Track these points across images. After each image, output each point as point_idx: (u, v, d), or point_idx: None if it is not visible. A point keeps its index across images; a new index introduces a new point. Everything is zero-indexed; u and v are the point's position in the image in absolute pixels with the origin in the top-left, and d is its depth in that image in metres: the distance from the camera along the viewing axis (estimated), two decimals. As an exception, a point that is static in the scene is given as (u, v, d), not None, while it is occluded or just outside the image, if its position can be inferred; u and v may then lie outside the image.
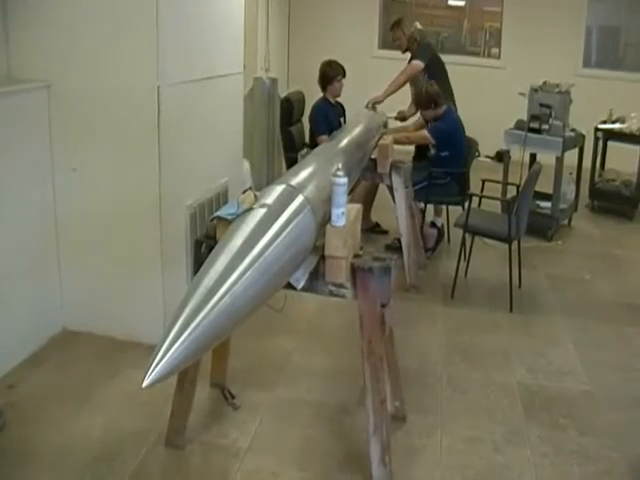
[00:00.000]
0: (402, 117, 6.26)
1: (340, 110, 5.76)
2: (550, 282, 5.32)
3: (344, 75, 5.61)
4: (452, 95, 6.17)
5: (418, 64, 5.98)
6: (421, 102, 5.57)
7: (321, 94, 5.68)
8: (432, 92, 5.49)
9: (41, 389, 3.47)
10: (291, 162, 5.52)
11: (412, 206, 5.16)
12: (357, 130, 4.49)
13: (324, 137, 5.18)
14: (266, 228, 2.31)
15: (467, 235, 5.09)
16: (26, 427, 3.16)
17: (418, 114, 5.92)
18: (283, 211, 2.44)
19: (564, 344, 4.32)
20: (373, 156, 4.89)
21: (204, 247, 2.77)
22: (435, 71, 6.02)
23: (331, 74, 5.58)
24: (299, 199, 2.55)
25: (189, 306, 1.96)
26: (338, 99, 5.73)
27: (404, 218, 4.99)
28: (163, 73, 3.60)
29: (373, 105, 5.73)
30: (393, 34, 6.24)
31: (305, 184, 2.68)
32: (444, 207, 5.95)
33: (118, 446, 3.07)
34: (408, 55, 6.19)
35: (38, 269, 3.85)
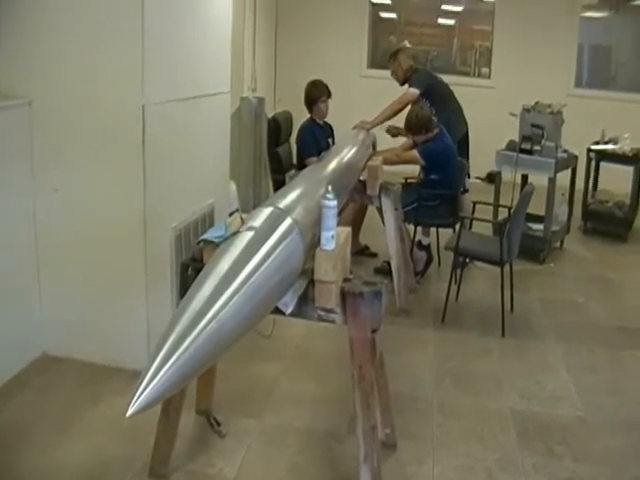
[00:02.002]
0: (396, 133, 6.29)
1: (328, 131, 5.81)
2: (543, 306, 5.34)
3: (329, 96, 5.66)
4: (463, 117, 6.25)
5: (412, 92, 6.06)
6: (411, 127, 5.62)
7: (307, 115, 5.72)
8: (422, 117, 5.56)
9: (22, 415, 3.44)
10: (278, 184, 5.55)
11: (402, 228, 5.19)
12: (346, 151, 4.51)
13: (312, 158, 5.21)
14: (254, 252, 2.31)
15: (458, 258, 5.10)
16: (7, 453, 3.13)
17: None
18: (271, 234, 2.44)
19: (557, 369, 4.33)
20: (362, 177, 4.93)
21: (190, 270, 2.77)
22: (436, 97, 6.10)
23: (315, 95, 5.63)
24: (287, 222, 2.56)
25: (175, 332, 1.96)
26: (326, 119, 5.77)
27: (394, 241, 5.00)
28: (149, 91, 3.61)
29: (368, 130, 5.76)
30: (390, 66, 6.34)
31: (293, 206, 2.69)
32: (434, 229, 5.99)
33: (101, 474, 3.04)
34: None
35: (17, 291, 3.82)
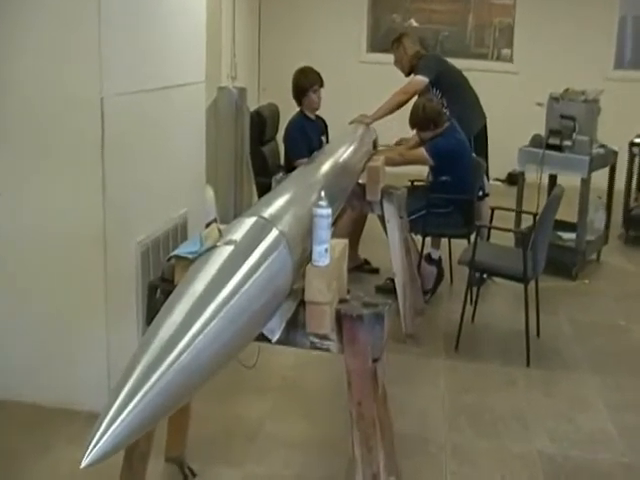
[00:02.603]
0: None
1: (321, 126, 5.87)
2: (575, 330, 5.37)
3: (321, 84, 5.72)
4: (480, 108, 6.31)
5: (420, 81, 6.13)
6: (417, 122, 5.69)
7: (297, 108, 5.77)
8: (430, 110, 5.62)
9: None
10: (263, 189, 5.59)
11: (408, 240, 5.23)
12: (342, 150, 4.56)
13: (303, 159, 5.24)
14: (234, 269, 2.33)
15: (474, 274, 5.14)
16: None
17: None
18: (254, 249, 2.46)
19: (594, 405, 4.35)
20: (361, 181, 4.97)
21: (159, 292, 2.79)
22: (448, 86, 6.17)
23: (305, 84, 5.68)
24: (273, 234, 2.58)
25: (141, 364, 1.96)
26: (318, 113, 5.83)
27: (398, 254, 5.04)
28: (108, 81, 3.62)
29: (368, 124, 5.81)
30: (394, 54, 6.40)
31: (280, 216, 2.72)
32: (446, 240, 6.05)
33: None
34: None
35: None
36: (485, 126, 6.43)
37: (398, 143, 6.21)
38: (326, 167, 4.01)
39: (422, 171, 6.01)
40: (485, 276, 5.71)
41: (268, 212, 2.71)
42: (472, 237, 5.36)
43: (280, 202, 2.89)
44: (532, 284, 4.94)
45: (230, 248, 2.42)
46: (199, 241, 2.58)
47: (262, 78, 10.05)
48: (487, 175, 6.35)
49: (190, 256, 2.54)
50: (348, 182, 4.43)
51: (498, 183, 9.26)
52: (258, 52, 10.14)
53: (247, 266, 2.37)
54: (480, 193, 6.06)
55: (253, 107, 6.52)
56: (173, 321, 2.09)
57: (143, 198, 4.07)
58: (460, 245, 5.63)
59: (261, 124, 5.98)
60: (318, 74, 5.72)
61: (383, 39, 9.70)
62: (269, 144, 6.07)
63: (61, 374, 3.87)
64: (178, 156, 4.53)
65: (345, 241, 3.06)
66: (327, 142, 5.70)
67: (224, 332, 2.17)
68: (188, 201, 4.70)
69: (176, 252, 2.69)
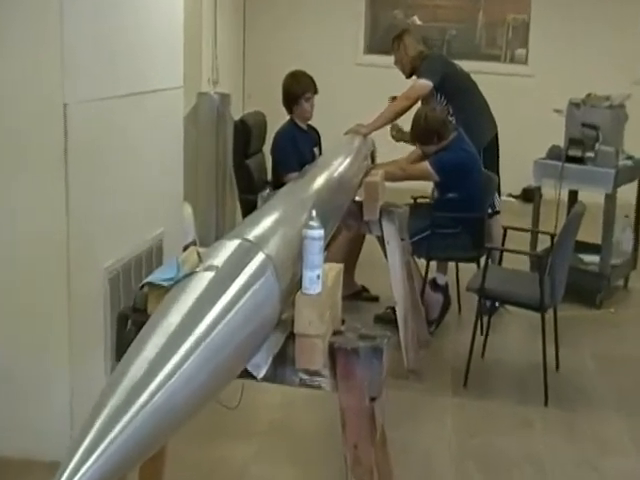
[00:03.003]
0: (400, 138, 6.36)
1: (313, 137, 5.91)
2: (599, 364, 5.37)
3: (315, 91, 5.76)
4: (491, 116, 6.34)
5: (423, 85, 6.15)
6: (419, 134, 5.73)
7: (287, 117, 5.80)
8: (433, 121, 5.64)
9: None
10: (248, 207, 5.61)
11: (410, 264, 5.25)
12: (336, 164, 4.57)
13: (293, 174, 5.26)
14: (215, 298, 2.33)
15: (484, 302, 5.14)
16: None
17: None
18: (237, 275, 2.46)
19: (622, 450, 4.34)
20: (358, 198, 4.98)
21: (130, 324, 2.79)
22: (454, 91, 6.20)
23: (297, 91, 5.72)
24: (259, 258, 2.59)
25: (107, 408, 1.95)
26: (310, 122, 5.86)
27: (399, 280, 5.05)
28: (72, 87, 3.62)
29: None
30: (394, 54, 6.43)
31: (267, 238, 2.73)
32: (453, 264, 6.07)
33: None
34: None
35: None
36: (496, 136, 6.44)
37: (395, 129, 6.26)
38: (319, 183, 4.02)
39: (426, 187, 6.03)
40: (497, 304, 5.72)
41: (253, 234, 2.72)
42: (482, 260, 5.36)
43: (267, 222, 2.91)
44: (550, 313, 4.95)
45: (210, 274, 2.42)
46: (176, 266, 2.58)
47: (247, 83, 10.09)
48: (499, 191, 6.36)
49: (165, 283, 2.54)
50: (343, 199, 4.44)
51: (511, 200, 9.28)
52: (243, 54, 10.17)
53: (230, 295, 2.37)
54: (491, 211, 6.08)
55: (237, 115, 6.55)
56: (145, 357, 2.08)
57: (112, 217, 4.06)
58: (469, 270, 5.64)
59: (246, 134, 6.00)
60: (311, 79, 5.75)
61: (383, 39, 9.70)
62: (255, 157, 6.08)
63: (18, 419, 3.82)
64: (153, 170, 4.54)
65: (340, 266, 3.08)
66: (320, 155, 5.73)
67: (203, 370, 2.16)
68: (164, 221, 4.71)
69: (150, 279, 2.69)
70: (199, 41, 7.98)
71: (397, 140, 6.39)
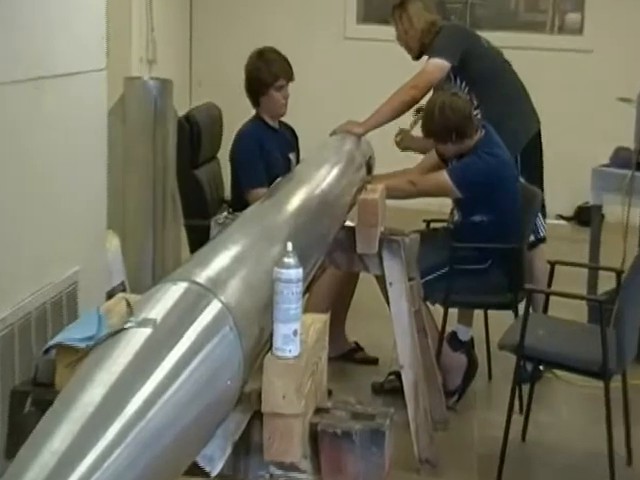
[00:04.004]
0: (407, 146, 6.39)
1: (288, 139, 5.97)
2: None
3: (290, 77, 5.81)
4: (531, 108, 6.40)
5: (437, 67, 6.15)
6: (433, 130, 5.74)
7: (252, 111, 5.84)
8: (452, 111, 5.64)
9: None
10: (198, 237, 5.55)
11: (422, 313, 5.25)
12: (320, 176, 4.57)
13: (260, 190, 5.27)
14: (151, 366, 2.31)
15: (524, 365, 5.14)
16: None
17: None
18: (183, 332, 2.45)
19: None
20: (349, 223, 4.99)
21: (30, 404, 2.77)
22: (480, 74, 6.24)
23: (266, 77, 5.77)
24: (213, 308, 2.58)
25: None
26: (284, 119, 5.91)
27: (407, 335, 5.04)
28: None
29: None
30: (395, 26, 6.44)
31: (224, 280, 2.72)
32: (479, 312, 6.09)
33: None
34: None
35: None
36: (538, 136, 6.46)
37: (402, 137, 6.32)
38: (295, 203, 4.01)
39: (443, 206, 6.05)
40: (542, 368, 5.72)
41: (205, 274, 2.72)
42: (521, 308, 5.38)
43: (224, 258, 2.91)
44: (617, 380, 4.95)
45: (146, 332, 2.41)
46: (97, 321, 2.58)
47: (196, 66, 10.09)
48: (543, 211, 6.38)
49: (82, 345, 2.53)
50: (329, 225, 4.43)
51: (561, 223, 9.30)
52: (190, 24, 10.18)
53: (172, 360, 2.35)
54: (533, 239, 6.10)
55: (183, 109, 6.54)
56: (53, 451, 2.04)
57: (5, 253, 4.04)
58: (502, 320, 5.66)
59: (195, 136, 6.01)
60: (285, 61, 5.80)
61: (382, 3, 9.72)
62: (207, 167, 6.10)
63: None
64: (63, 185, 4.53)
65: (325, 317, 3.07)
66: (297, 163, 5.76)
67: (134, 466, 2.14)
68: (79, 257, 4.69)
69: (59, 339, 2.67)
70: (128, 9, 7.98)
71: (403, 148, 6.41)
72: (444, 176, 5.65)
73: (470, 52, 6.28)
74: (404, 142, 6.36)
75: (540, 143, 6.47)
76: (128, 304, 2.62)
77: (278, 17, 9.71)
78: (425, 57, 6.33)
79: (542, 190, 6.29)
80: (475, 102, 5.95)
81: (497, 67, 6.46)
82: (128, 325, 2.45)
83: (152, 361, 2.35)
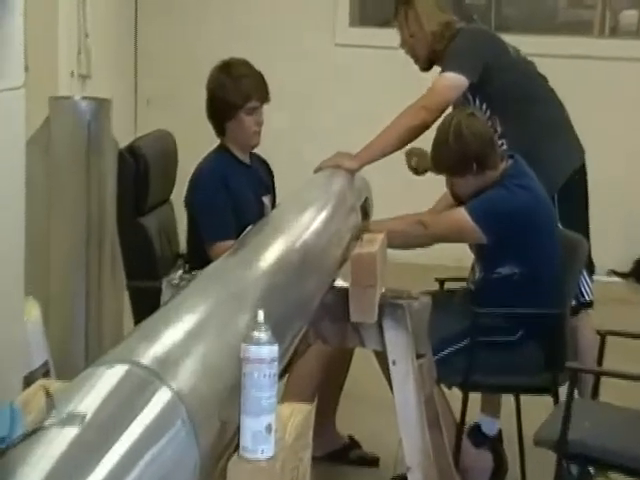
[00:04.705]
0: (424, 168, 6.38)
1: (262, 177, 5.99)
2: None
3: (265, 97, 5.83)
4: (572, 134, 6.40)
5: (451, 84, 6.14)
6: (447, 162, 5.72)
7: (217, 141, 5.86)
8: (471, 136, 5.60)
9: None
10: (145, 302, 5.57)
11: (435, 399, 5.19)
12: (302, 224, 4.55)
13: (225, 243, 5.26)
14: (78, 477, 2.29)
15: (568, 465, 5.11)
16: None
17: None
18: (122, 430, 2.42)
19: None
20: (340, 283, 4.98)
21: None
22: (506, 92, 6.21)
23: (233, 97, 5.77)
24: (162, 398, 2.55)
25: None
26: (256, 150, 5.94)
27: (415, 428, 5.00)
28: None
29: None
30: (399, 28, 6.43)
31: (176, 361, 2.69)
32: (508, 396, 6.07)
33: None
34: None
35: None
36: (582, 170, 6.46)
37: (412, 155, 6.28)
38: (270, 257, 4.01)
39: (463, 258, 6.01)
40: (592, 470, 5.67)
41: (152, 353, 2.69)
42: (562, 391, 5.34)
43: (177, 332, 2.88)
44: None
45: (72, 432, 2.38)
46: (8, 417, 2.54)
47: (143, 80, 10.11)
48: (590, 267, 6.37)
49: (-9, 448, 2.49)
50: (314, 287, 4.42)
51: (615, 280, 9.30)
52: (135, 27, 10.21)
53: (106, 467, 2.33)
54: (576, 302, 6.06)
55: (126, 138, 6.52)
56: None
57: None
58: (539, 407, 5.65)
59: (141, 173, 5.98)
60: (259, 77, 5.81)
61: (382, 1, 9.77)
62: (157, 212, 6.09)
63: None
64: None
65: (309, 406, 3.05)
66: (273, 206, 5.77)
67: None
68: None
69: (-40, 440, 2.64)
70: (54, 12, 8.01)
71: (419, 173, 6.38)
72: (462, 214, 5.60)
73: (494, 65, 6.26)
74: (421, 164, 6.33)
75: (585, 179, 6.45)
76: (48, 394, 2.58)
77: (250, 18, 9.72)
78: (436, 68, 6.32)
79: (588, 239, 6.27)
80: (499, 129, 5.92)
81: (529, 84, 6.46)
82: (48, 423, 2.41)
83: (79, 469, 2.30)
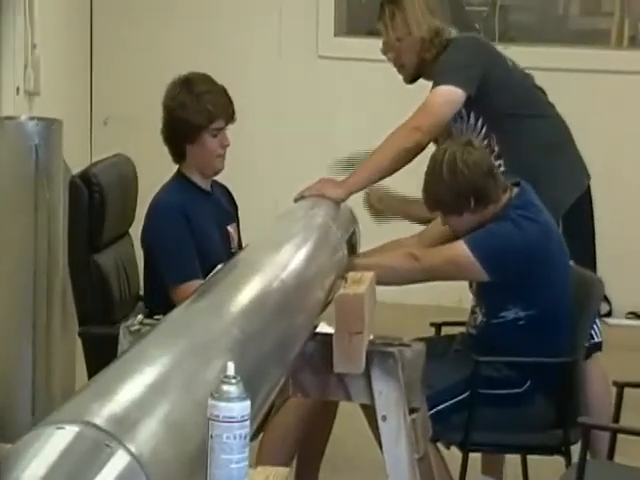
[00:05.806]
0: (384, 207, 6.40)
1: (224, 206, 6.04)
2: None
3: (231, 117, 5.86)
4: (576, 156, 6.44)
5: (447, 96, 6.18)
6: (441, 199, 5.73)
7: (175, 167, 5.89)
8: (465, 167, 5.60)
9: None
10: (100, 351, 5.54)
11: (430, 459, 5.20)
12: (280, 262, 4.55)
13: (190, 284, 5.26)
14: None
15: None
16: None
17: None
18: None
19: None
20: (323, 328, 4.98)
21: None
22: (505, 108, 6.23)
23: (195, 118, 5.79)
24: (117, 463, 2.54)
25: None
26: (218, 177, 5.96)
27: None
28: None
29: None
30: (383, 33, 6.43)
31: (135, 420, 2.69)
32: (513, 458, 6.10)
33: None
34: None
35: None
36: (587, 195, 6.46)
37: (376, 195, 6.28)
38: (243, 301, 4.02)
39: (462, 298, 6.02)
40: None
41: (107, 412, 2.68)
42: (575, 450, 5.35)
43: (136, 386, 2.88)
44: None
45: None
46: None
47: (99, 98, 10.11)
48: (609, 312, 6.38)
49: None
50: (292, 334, 4.42)
51: (633, 324, 9.29)
52: (90, 37, 10.21)
53: None
54: (587, 344, 6.06)
55: (79, 165, 6.53)
56: None
57: None
58: (548, 469, 5.64)
59: (96, 204, 5.97)
60: (224, 93, 5.83)
61: (370, 9, 9.73)
62: (114, 248, 6.09)
63: None
64: None
65: (286, 470, 3.04)
66: (239, 239, 5.87)
67: None
68: None
69: None
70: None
71: (376, 216, 6.38)
72: (461, 248, 5.60)
73: (491, 77, 6.27)
74: (379, 205, 6.33)
75: (591, 206, 6.45)
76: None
77: (226, 26, 9.72)
78: (422, 82, 6.33)
79: (594, 272, 6.26)
80: (496, 148, 5.92)
81: (528, 98, 6.47)
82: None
83: None
